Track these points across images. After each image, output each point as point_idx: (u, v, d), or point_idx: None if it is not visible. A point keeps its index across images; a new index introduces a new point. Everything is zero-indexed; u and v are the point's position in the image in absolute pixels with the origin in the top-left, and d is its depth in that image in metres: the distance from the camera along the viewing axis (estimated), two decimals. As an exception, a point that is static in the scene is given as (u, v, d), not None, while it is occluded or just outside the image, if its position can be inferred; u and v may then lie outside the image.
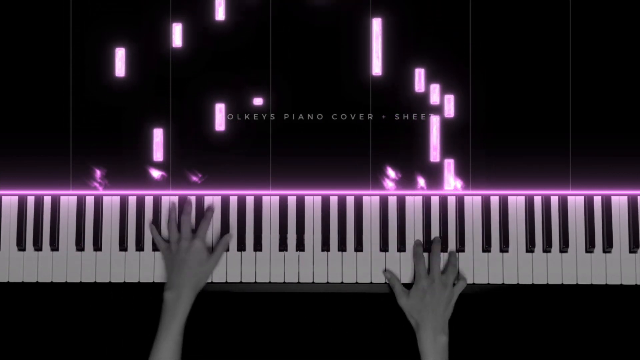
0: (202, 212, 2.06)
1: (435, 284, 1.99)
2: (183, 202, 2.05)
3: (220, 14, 2.07)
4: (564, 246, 2.05)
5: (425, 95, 2.05)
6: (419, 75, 2.05)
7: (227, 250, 2.05)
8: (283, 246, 2.06)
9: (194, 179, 2.05)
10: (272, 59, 2.06)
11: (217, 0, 2.06)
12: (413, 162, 2.05)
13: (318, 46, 2.06)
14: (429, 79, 2.05)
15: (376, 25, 2.06)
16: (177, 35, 2.06)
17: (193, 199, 2.05)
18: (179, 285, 1.94)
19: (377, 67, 2.06)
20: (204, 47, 2.06)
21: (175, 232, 2.02)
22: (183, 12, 2.06)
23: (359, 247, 2.05)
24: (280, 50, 2.06)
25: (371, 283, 2.06)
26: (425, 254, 2.05)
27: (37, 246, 2.06)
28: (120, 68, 2.06)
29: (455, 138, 2.05)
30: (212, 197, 2.07)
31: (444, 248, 2.05)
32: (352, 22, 2.06)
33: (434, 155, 2.05)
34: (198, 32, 2.06)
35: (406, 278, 2.06)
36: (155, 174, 2.06)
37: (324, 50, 2.06)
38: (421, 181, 2.04)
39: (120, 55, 2.06)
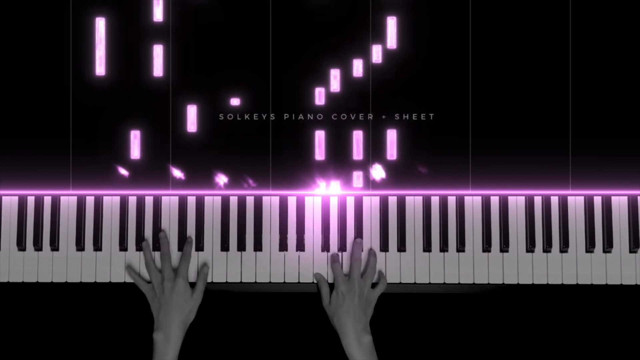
0: (202, 211, 2.06)
1: (354, 288, 1.99)
2: (157, 236, 2.05)
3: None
4: (564, 246, 2.05)
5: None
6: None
7: (208, 280, 2.06)
8: (283, 246, 2.06)
9: (178, 177, 2.06)
10: (272, 60, 2.07)
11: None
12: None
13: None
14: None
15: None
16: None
17: (164, 232, 2.05)
18: (167, 325, 1.96)
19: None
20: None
21: (156, 273, 2.02)
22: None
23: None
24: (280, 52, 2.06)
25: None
26: (427, 254, 2.05)
27: (37, 246, 2.06)
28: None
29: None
30: (212, 198, 2.07)
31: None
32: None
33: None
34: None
35: (409, 278, 2.06)
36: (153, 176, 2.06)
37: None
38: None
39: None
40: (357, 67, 2.06)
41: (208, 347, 2.22)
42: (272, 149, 2.06)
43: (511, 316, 2.21)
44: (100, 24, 2.06)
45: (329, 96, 2.06)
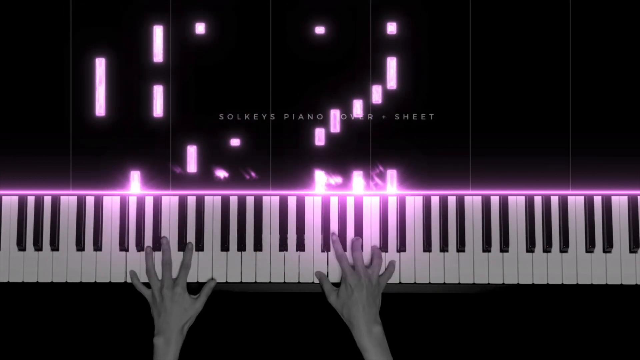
0: (202, 211, 2.06)
1: (362, 279, 1.99)
2: (157, 236, 2.06)
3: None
4: (564, 246, 2.05)
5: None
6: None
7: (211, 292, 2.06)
8: (283, 246, 2.06)
9: (182, 173, 2.06)
10: (272, 61, 2.07)
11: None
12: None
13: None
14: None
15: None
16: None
17: (166, 238, 2.05)
18: (167, 330, 1.98)
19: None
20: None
21: (156, 280, 2.03)
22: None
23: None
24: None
25: (371, 283, 2.06)
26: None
27: (38, 246, 2.06)
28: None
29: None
30: (212, 198, 2.07)
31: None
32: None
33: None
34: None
35: (409, 278, 2.06)
36: (156, 174, 2.06)
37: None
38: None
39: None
40: (359, 105, 2.06)
41: (208, 347, 2.22)
42: (272, 149, 2.06)
43: (511, 316, 2.21)
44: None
45: (330, 96, 2.06)
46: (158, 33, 2.06)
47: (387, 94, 2.06)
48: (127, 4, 2.06)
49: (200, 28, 2.06)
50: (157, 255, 2.06)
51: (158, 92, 2.06)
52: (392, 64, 2.06)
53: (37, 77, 2.06)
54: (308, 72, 2.06)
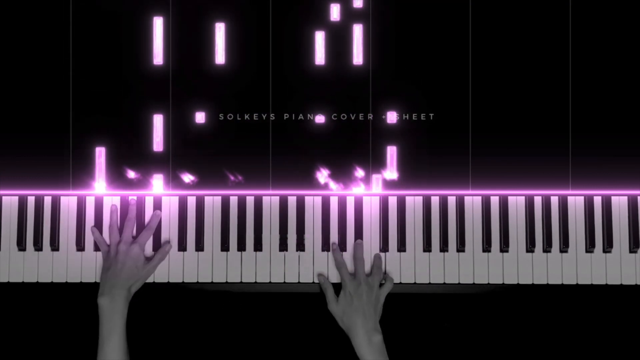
0: (202, 211, 2.06)
1: (362, 287, 1.99)
2: (126, 203, 2.05)
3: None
4: (564, 246, 2.05)
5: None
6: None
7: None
8: (283, 246, 2.06)
9: (188, 180, 2.06)
10: (272, 61, 2.07)
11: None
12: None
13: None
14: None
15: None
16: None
17: (134, 199, 2.05)
18: (111, 287, 1.95)
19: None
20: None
21: (116, 234, 2.03)
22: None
23: (359, 247, 2.06)
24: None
25: (371, 283, 2.06)
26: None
27: (38, 246, 2.06)
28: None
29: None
30: (212, 198, 2.07)
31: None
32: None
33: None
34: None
35: (409, 278, 2.06)
36: (155, 174, 2.06)
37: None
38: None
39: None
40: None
41: (208, 347, 2.22)
42: (272, 149, 2.06)
43: (511, 316, 2.21)
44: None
45: (330, 95, 2.06)
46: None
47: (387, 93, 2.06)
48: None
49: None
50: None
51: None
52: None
53: (37, 77, 2.06)
54: (308, 73, 2.06)
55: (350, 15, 2.07)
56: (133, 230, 2.04)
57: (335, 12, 2.07)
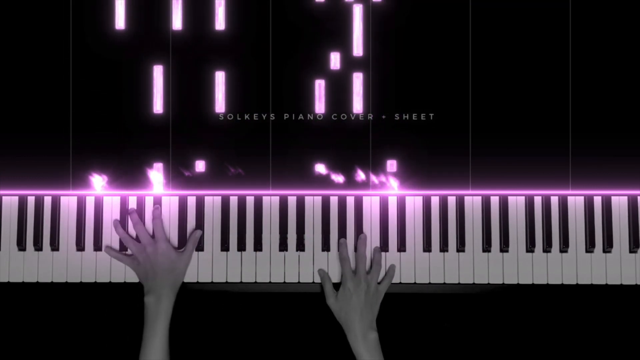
0: (202, 211, 2.06)
1: (362, 285, 1.99)
2: (125, 212, 2.06)
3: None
4: (564, 246, 2.05)
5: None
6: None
7: (199, 249, 2.05)
8: (283, 246, 2.06)
9: (187, 174, 2.06)
10: (272, 61, 2.07)
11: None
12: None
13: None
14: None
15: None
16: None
17: (133, 208, 2.05)
18: (157, 287, 1.96)
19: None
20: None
21: (134, 243, 2.03)
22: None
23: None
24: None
25: (371, 283, 2.06)
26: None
27: (38, 246, 2.06)
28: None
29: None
30: (212, 198, 2.07)
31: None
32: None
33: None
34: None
35: (409, 278, 2.06)
36: (155, 174, 2.06)
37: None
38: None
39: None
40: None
41: (208, 347, 2.22)
42: (272, 149, 2.06)
43: (511, 316, 2.21)
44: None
45: (330, 96, 2.06)
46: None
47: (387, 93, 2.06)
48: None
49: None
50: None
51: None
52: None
53: (38, 76, 2.06)
54: (309, 73, 2.06)
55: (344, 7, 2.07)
56: (146, 231, 2.04)
57: (334, 61, 2.06)
